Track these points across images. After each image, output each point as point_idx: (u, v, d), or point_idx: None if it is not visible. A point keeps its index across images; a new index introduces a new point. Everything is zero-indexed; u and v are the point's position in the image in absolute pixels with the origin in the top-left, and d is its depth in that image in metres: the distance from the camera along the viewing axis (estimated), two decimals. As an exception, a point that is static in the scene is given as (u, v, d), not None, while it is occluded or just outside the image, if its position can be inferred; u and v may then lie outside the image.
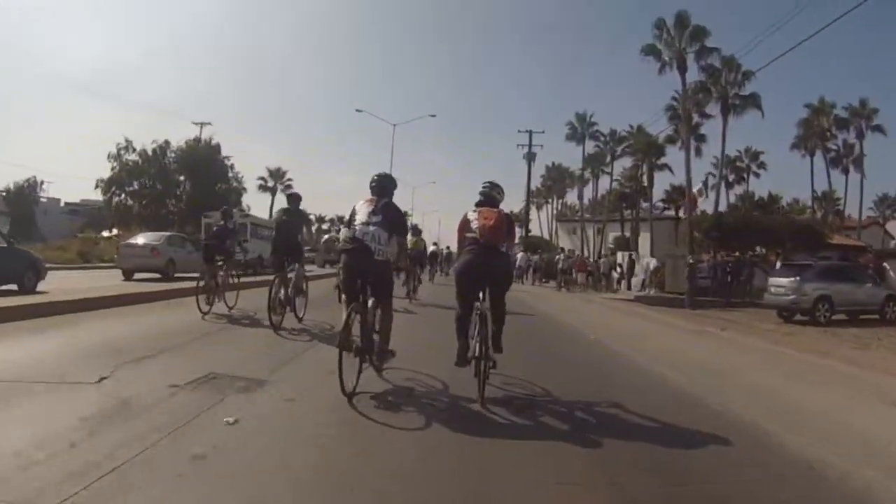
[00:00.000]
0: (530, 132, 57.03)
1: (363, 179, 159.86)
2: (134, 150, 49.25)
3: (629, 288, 31.45)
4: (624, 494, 3.77)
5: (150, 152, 49.59)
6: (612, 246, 64.47)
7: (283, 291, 9.96)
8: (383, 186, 6.33)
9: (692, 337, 13.16)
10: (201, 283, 11.29)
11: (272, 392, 5.68)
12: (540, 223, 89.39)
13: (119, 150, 48.71)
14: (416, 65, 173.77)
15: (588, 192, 78.50)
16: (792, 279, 19.52)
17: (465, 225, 6.18)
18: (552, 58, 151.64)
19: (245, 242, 14.56)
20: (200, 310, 10.83)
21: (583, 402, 5.97)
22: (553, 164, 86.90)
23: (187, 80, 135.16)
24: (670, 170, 56.41)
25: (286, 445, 4.35)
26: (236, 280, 12.53)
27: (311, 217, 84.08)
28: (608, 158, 67.87)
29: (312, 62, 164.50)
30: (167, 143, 49.94)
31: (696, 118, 51.18)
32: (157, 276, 21.17)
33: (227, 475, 3.70)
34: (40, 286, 14.32)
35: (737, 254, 30.09)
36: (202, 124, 54.49)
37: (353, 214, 6.11)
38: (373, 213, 5.98)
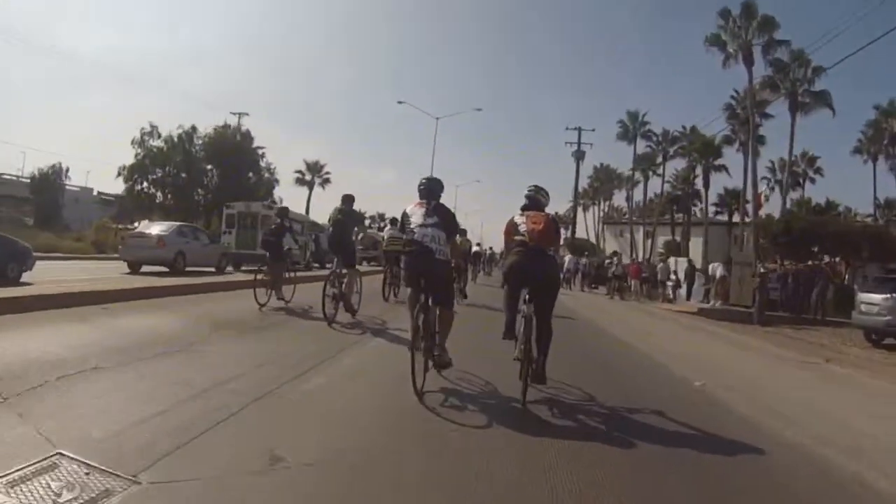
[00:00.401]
0: (579, 129, 53.68)
1: (405, 177, 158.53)
2: (159, 135, 46.37)
3: (688, 298, 29.14)
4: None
5: (175, 139, 46.86)
6: (661, 251, 59.68)
7: (336, 287, 10.49)
8: (431, 189, 6.48)
9: (792, 369, 11.12)
10: (259, 277, 12.08)
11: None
12: (586, 225, 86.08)
13: (143, 135, 45.83)
14: (458, 59, 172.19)
15: (637, 195, 75.26)
16: (888, 296, 16.70)
17: (512, 228, 6.31)
18: (603, 53, 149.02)
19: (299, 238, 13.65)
20: (258, 301, 11.59)
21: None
22: (601, 164, 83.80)
23: (227, 73, 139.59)
24: (727, 171, 52.69)
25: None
26: (292, 275, 13.25)
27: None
28: (659, 159, 64.31)
29: (353, 56, 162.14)
30: (194, 128, 47.13)
31: (756, 118, 47.32)
32: (165, 269, 20.01)
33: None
34: (27, 277, 13.99)
35: (809, 262, 25.90)
36: (240, 114, 52.54)
37: (405, 217, 6.33)
38: (427, 214, 6.18)
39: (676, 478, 4.26)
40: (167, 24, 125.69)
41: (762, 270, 24.02)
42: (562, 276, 30.28)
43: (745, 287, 24.86)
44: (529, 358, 5.75)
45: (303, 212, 70.24)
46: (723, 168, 53.54)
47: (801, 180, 61.00)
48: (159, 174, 46.83)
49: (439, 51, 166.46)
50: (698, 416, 6.04)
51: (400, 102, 47.80)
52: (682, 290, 29.84)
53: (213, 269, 21.40)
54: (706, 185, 53.90)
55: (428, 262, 6.06)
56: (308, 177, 74.68)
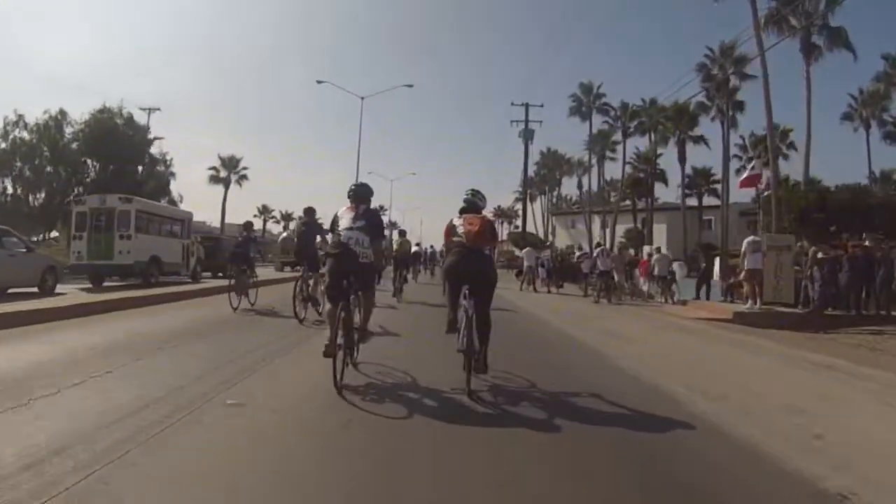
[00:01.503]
0: (526, 105, 47.52)
1: (335, 174, 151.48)
2: (26, 125, 38.62)
3: (707, 297, 22.49)
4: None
5: (42, 127, 39.45)
6: (623, 240, 58.39)
7: (305, 290, 11.92)
8: (360, 194, 6.96)
9: None
10: (231, 283, 13.94)
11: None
12: (534, 217, 78.95)
13: (6, 126, 38.20)
14: (388, 29, 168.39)
15: (589, 182, 70.39)
16: None
17: (451, 230, 6.76)
18: (548, 21, 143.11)
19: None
20: (231, 305, 13.35)
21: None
22: (548, 149, 77.65)
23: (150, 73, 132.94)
24: (705, 143, 46.24)
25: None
26: (254, 280, 14.94)
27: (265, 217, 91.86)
28: (618, 136, 59.04)
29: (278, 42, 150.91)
30: (62, 113, 39.32)
31: (733, 81, 40.42)
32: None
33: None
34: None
35: (866, 243, 20.21)
36: (150, 110, 48.66)
37: (335, 221, 6.81)
38: (355, 218, 6.63)
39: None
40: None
41: (821, 256, 18.23)
42: (522, 274, 28.35)
43: (784, 279, 18.83)
44: (472, 349, 6.08)
45: (218, 213, 62.68)
46: (700, 140, 45.38)
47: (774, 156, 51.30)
48: (26, 171, 38.65)
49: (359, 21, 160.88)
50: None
51: (320, 82, 44.63)
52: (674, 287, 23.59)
53: (34, 289, 16.47)
54: (682, 158, 49.13)
55: (351, 263, 6.44)
56: (223, 173, 70.15)
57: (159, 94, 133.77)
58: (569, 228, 72.52)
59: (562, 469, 4.12)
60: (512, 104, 46.79)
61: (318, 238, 11.87)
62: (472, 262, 6.56)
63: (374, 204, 7.19)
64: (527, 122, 47.01)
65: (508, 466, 4.15)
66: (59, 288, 16.85)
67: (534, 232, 59.64)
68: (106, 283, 19.97)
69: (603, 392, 6.41)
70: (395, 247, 20.34)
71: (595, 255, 23.22)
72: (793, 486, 4.10)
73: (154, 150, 46.02)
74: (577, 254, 27.21)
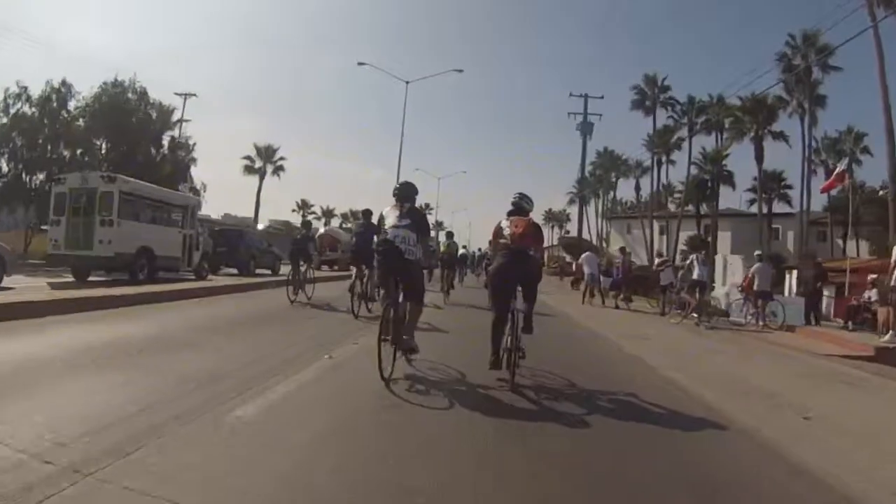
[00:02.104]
0: (585, 97, 44.06)
1: (378, 170, 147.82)
2: (28, 98, 33.06)
3: (815, 321, 18.59)
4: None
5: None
6: (685, 248, 52.72)
7: (360, 287, 12.73)
8: (405, 193, 7.15)
9: None
10: (290, 277, 15.23)
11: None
12: (587, 221, 75.19)
13: (7, 97, 32.57)
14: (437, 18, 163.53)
15: (646, 185, 67.66)
16: None
17: (498, 232, 7.23)
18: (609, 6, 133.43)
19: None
20: (289, 298, 14.57)
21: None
22: (605, 149, 73.94)
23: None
24: (785, 139, 41.65)
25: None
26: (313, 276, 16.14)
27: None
28: (683, 133, 55.39)
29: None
30: (66, 85, 34.14)
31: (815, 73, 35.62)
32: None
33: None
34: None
35: None
36: (185, 95, 47.26)
37: (381, 220, 7.11)
38: (400, 217, 6.81)
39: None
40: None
41: None
42: (583, 283, 23.98)
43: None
44: (517, 347, 6.49)
45: (252, 206, 66.64)
46: (781, 136, 40.65)
47: (847, 161, 46.70)
48: (24, 149, 33.13)
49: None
50: None
51: (361, 64, 42.76)
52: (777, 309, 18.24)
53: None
54: (759, 156, 47.25)
55: (397, 260, 6.60)
56: (258, 164, 66.61)
57: (194, 82, 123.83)
58: (624, 234, 67.35)
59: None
60: (570, 95, 43.55)
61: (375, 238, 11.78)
62: (517, 263, 6.94)
63: (420, 202, 7.50)
64: (585, 114, 43.58)
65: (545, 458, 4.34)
66: (21, 281, 15.14)
67: (587, 238, 54.28)
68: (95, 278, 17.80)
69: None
70: (442, 248, 20.89)
71: (689, 262, 18.55)
72: None
73: (175, 133, 42.46)
74: (657, 261, 22.35)
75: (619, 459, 4.50)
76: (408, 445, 4.39)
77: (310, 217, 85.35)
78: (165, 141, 40.47)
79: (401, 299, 6.73)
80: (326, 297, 15.17)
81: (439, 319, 12.47)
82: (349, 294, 12.44)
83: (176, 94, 46.85)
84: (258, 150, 65.94)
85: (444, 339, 10.08)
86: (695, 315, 16.97)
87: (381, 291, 7.46)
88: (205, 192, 44.11)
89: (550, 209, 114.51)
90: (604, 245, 71.33)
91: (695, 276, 17.29)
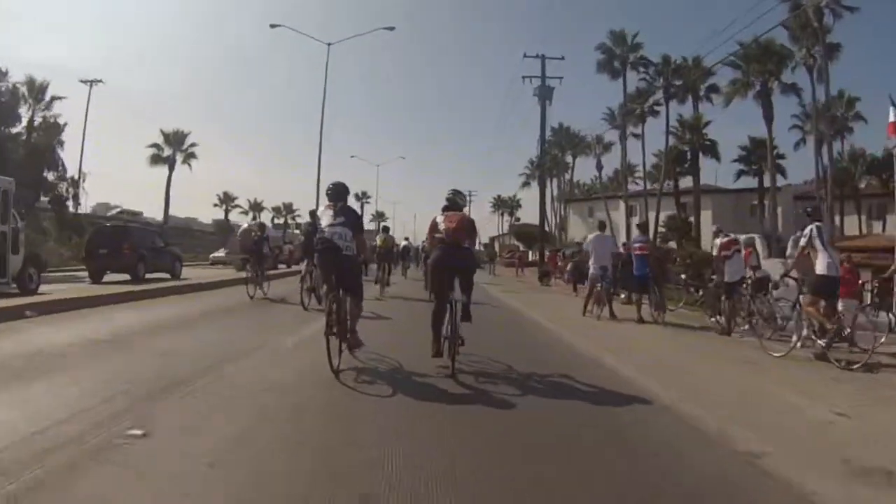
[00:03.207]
0: (542, 58, 38.79)
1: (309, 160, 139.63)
2: None
3: None
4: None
5: None
6: (663, 230, 50.06)
7: (309, 280, 14.18)
8: (339, 192, 8.00)
9: None
10: (248, 275, 17.17)
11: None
12: (544, 206, 68.23)
13: None
14: None
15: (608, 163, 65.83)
16: None
17: (434, 227, 8.14)
18: None
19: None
20: (248, 294, 16.55)
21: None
22: (560, 125, 68.60)
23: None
24: (797, 93, 43.00)
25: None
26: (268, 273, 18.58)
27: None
28: (658, 98, 49.28)
29: None
30: None
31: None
32: None
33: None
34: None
35: None
36: (91, 82, 48.91)
37: (316, 219, 9.04)
38: (335, 215, 7.60)
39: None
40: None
41: None
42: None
43: None
44: (456, 337, 7.37)
45: (162, 197, 62.48)
46: (793, 88, 42.46)
47: (839, 129, 48.75)
48: None
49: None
50: None
51: (274, 26, 37.71)
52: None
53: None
54: (768, 115, 41.86)
55: (336, 257, 7.43)
56: (167, 151, 61.12)
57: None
58: (586, 218, 63.96)
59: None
60: (525, 56, 39.26)
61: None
62: (453, 256, 7.83)
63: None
64: (543, 77, 38.80)
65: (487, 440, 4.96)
66: None
67: (539, 225, 47.87)
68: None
69: None
70: (378, 242, 21.74)
71: (806, 239, 9.80)
72: None
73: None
74: (719, 240, 13.68)
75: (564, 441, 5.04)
76: (357, 431, 5.10)
77: (235, 210, 79.47)
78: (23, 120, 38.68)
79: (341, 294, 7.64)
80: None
81: (379, 312, 13.88)
82: (299, 286, 14.76)
83: (81, 81, 47.14)
84: (166, 136, 61.41)
85: (388, 330, 11.42)
86: (820, 342, 9.57)
87: (325, 287, 8.16)
88: (84, 181, 43.32)
89: (499, 196, 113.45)
90: (560, 234, 68.47)
91: (822, 267, 9.55)
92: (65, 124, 41.63)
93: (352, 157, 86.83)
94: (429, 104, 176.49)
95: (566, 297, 21.56)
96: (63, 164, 41.48)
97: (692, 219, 47.65)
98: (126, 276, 21.89)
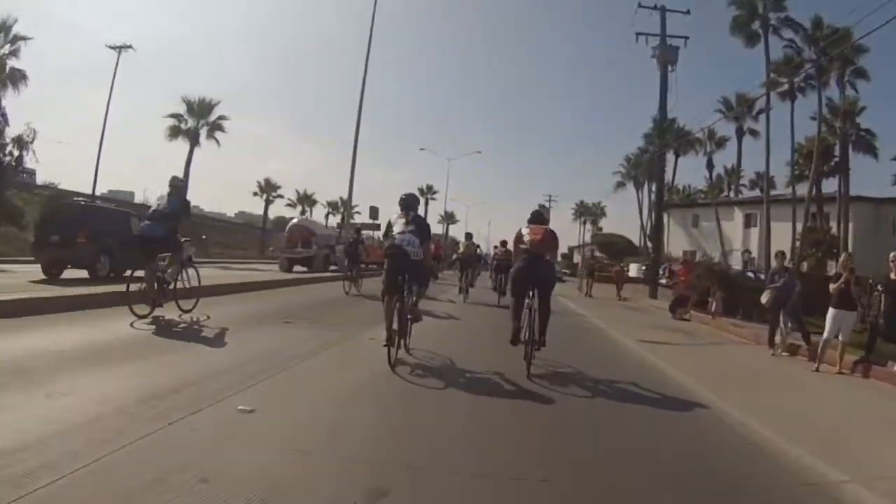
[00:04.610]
0: (662, 10, 31.05)
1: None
2: None
3: None
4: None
5: None
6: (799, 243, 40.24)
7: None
8: (410, 203, 8.95)
9: None
10: (347, 274, 20.04)
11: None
12: (641, 213, 65.10)
13: None
14: None
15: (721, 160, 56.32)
16: None
17: (518, 238, 9.09)
18: None
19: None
20: (345, 290, 18.61)
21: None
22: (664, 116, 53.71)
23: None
24: None
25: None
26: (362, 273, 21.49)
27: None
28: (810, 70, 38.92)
29: None
30: None
31: None
32: None
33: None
34: None
35: None
36: (120, 48, 43.18)
37: (389, 227, 8.94)
38: (406, 223, 8.59)
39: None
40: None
41: None
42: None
43: None
44: (533, 340, 8.53)
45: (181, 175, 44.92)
46: None
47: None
48: None
49: None
50: None
51: None
52: None
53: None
54: None
55: (404, 261, 8.47)
56: (189, 123, 50.67)
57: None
58: (688, 227, 55.62)
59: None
60: (639, 6, 32.14)
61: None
62: (535, 266, 8.69)
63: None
64: (664, 34, 31.62)
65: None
66: None
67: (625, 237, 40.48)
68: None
69: None
70: (461, 249, 24.66)
71: None
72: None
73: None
74: None
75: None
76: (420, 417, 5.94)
77: (275, 202, 74.39)
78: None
79: (406, 294, 8.85)
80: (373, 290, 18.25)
81: (456, 316, 15.46)
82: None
83: (108, 46, 43.33)
84: (189, 104, 52.40)
85: (457, 331, 12.86)
86: None
87: (385, 291, 8.84)
88: (32, 141, 32.71)
89: (582, 201, 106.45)
90: (664, 242, 58.21)
91: None
92: (24, 78, 35.38)
93: (421, 149, 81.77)
94: (513, 96, 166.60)
95: (771, 359, 12.49)
96: (4, 117, 34.16)
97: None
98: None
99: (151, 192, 58.34)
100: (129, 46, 46.08)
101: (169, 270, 10.79)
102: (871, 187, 64.82)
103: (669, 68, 33.06)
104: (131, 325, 9.51)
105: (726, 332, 17.38)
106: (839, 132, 40.21)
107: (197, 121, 51.72)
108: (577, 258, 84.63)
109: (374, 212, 44.25)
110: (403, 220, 8.68)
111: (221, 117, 52.92)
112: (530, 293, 8.69)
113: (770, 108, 41.37)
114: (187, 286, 11.35)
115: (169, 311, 10.66)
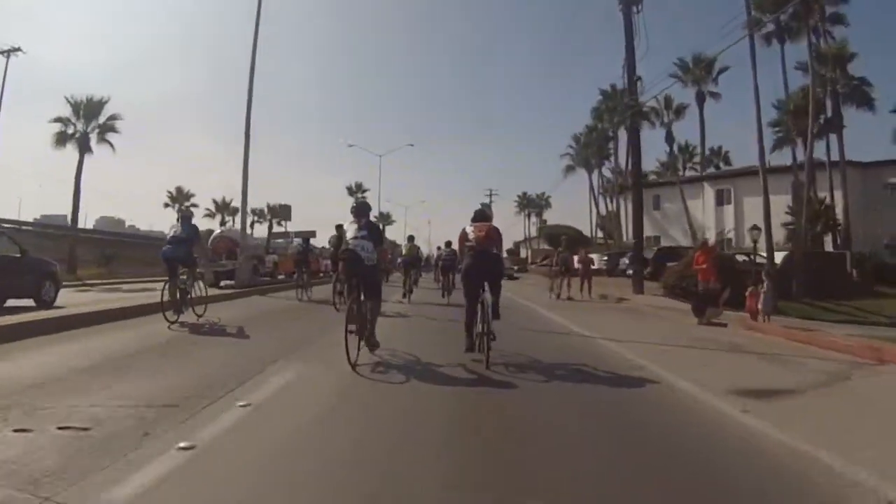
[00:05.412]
0: None
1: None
2: None
3: None
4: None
5: None
6: (790, 220, 36.05)
7: (340, 286, 15.77)
8: (361, 210, 9.51)
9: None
10: (298, 281, 21.27)
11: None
12: (594, 200, 66.80)
13: None
14: None
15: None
16: None
17: (464, 237, 9.72)
18: None
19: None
20: (297, 298, 19.85)
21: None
22: (612, 88, 53.33)
23: None
24: None
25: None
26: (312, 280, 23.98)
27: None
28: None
29: None
30: None
31: None
32: None
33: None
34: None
35: None
36: (8, 52, 38.67)
37: (342, 233, 10.32)
38: (358, 229, 9.13)
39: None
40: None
41: None
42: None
43: None
44: (488, 332, 8.66)
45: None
46: None
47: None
48: None
49: None
50: None
51: None
52: None
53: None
54: None
55: (358, 265, 9.04)
56: (76, 126, 43.25)
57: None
58: (649, 211, 46.45)
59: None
60: None
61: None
62: (483, 260, 9.32)
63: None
64: None
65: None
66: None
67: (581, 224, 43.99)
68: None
69: None
70: (404, 251, 24.46)
71: None
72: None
73: None
74: None
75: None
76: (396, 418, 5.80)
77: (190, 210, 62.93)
78: None
79: (362, 298, 9.46)
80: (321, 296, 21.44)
81: (404, 315, 16.10)
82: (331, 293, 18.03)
83: None
84: (74, 105, 45.18)
85: (416, 330, 12.65)
86: None
87: (346, 290, 10.47)
88: None
89: (525, 193, 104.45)
90: (623, 227, 54.45)
91: None
92: None
93: (350, 145, 76.97)
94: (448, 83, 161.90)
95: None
96: None
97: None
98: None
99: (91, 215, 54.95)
100: (18, 49, 40.51)
101: (188, 282, 13.76)
102: (858, 152, 60.38)
103: (634, 9, 27.96)
104: (168, 327, 11.75)
105: (815, 346, 10.70)
106: (829, 82, 34.76)
107: (85, 124, 44.39)
108: (524, 253, 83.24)
109: (285, 210, 46.28)
110: (356, 226, 9.30)
111: (113, 117, 46.41)
112: (482, 289, 9.37)
113: (702, 101, 44.16)
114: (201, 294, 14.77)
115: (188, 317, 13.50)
